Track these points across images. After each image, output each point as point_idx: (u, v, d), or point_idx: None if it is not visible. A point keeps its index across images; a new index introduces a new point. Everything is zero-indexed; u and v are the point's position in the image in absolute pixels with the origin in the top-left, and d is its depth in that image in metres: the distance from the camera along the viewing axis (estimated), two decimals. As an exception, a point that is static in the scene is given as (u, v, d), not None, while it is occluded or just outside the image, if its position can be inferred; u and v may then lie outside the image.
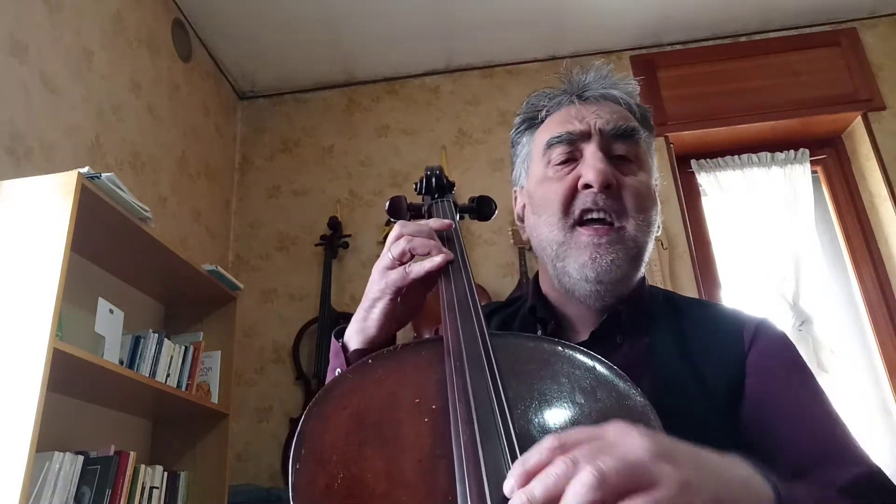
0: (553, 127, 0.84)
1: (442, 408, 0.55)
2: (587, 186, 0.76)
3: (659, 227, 0.85)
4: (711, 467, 0.45)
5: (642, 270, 0.82)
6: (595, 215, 0.77)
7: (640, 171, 0.80)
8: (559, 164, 0.81)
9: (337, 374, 0.74)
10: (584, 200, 0.77)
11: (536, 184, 0.84)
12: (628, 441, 0.42)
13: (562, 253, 0.78)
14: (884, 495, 0.61)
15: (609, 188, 0.76)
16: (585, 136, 0.80)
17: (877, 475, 0.64)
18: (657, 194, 0.84)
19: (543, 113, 0.87)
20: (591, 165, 0.76)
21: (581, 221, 0.78)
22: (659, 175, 0.88)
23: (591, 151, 0.78)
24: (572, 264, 0.77)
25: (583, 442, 0.42)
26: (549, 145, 0.82)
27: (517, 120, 0.91)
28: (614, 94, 0.84)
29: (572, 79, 0.87)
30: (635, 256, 0.78)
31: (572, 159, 0.80)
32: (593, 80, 0.85)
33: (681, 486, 0.40)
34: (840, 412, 0.71)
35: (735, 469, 0.49)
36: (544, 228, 0.80)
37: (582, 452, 0.41)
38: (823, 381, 0.78)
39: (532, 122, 0.88)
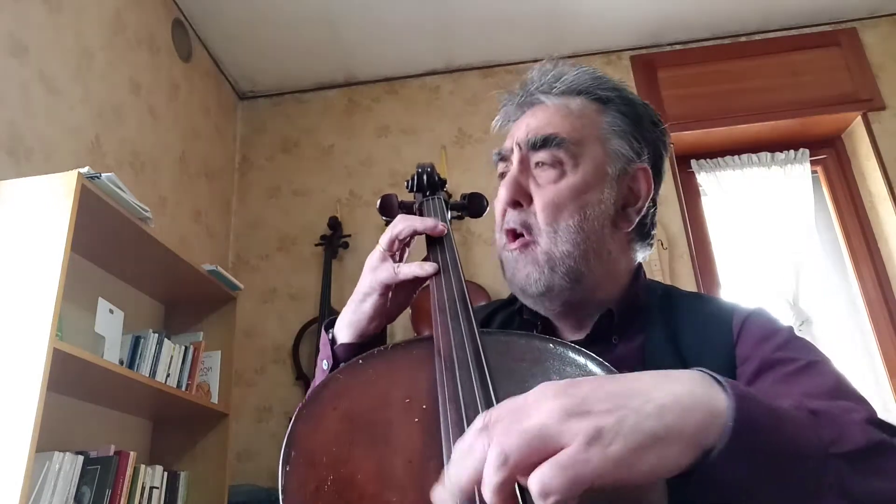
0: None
1: (432, 408, 0.55)
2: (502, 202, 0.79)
3: (632, 214, 0.81)
4: (636, 399, 0.42)
5: (585, 272, 0.76)
6: (509, 226, 0.79)
7: (563, 176, 0.77)
8: (500, 179, 0.83)
9: (323, 364, 0.75)
10: (508, 217, 0.79)
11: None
12: (537, 403, 0.41)
13: (503, 265, 0.81)
14: (885, 429, 0.54)
15: (518, 205, 0.78)
16: (510, 152, 0.82)
17: (876, 418, 0.57)
18: (617, 183, 0.79)
19: (500, 126, 0.90)
20: (504, 181, 0.79)
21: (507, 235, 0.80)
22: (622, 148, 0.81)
23: (510, 170, 0.80)
24: (507, 278, 0.80)
25: (503, 417, 0.41)
26: (495, 163, 0.85)
27: (493, 130, 0.94)
28: (541, 99, 0.83)
29: (516, 89, 0.87)
30: (554, 268, 0.75)
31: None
32: (529, 85, 0.85)
33: (589, 438, 0.39)
34: (841, 374, 0.67)
35: (672, 387, 0.43)
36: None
37: (497, 430, 0.40)
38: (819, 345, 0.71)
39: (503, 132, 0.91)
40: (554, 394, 0.42)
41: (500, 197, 0.80)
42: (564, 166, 0.78)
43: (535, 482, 0.38)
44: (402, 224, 0.76)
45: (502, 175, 0.82)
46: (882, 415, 0.57)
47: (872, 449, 0.49)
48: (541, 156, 0.79)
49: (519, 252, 0.77)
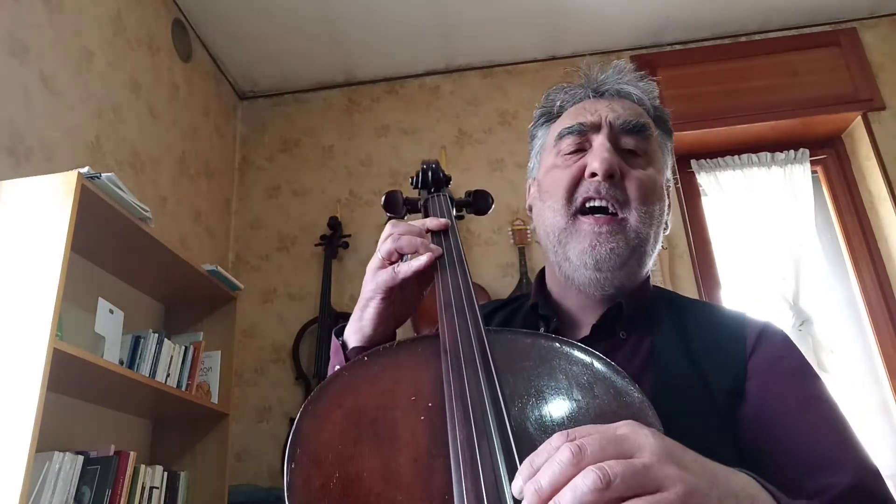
0: (567, 118, 0.86)
1: (438, 406, 0.55)
2: (593, 175, 0.78)
3: (667, 225, 0.85)
4: (718, 476, 0.44)
5: (648, 266, 0.82)
6: (597, 203, 0.78)
7: (649, 166, 0.81)
8: (569, 154, 0.82)
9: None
10: (587, 188, 0.78)
11: (545, 172, 0.86)
12: (639, 439, 0.42)
13: (563, 238, 0.80)
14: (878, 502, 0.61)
15: (612, 177, 0.77)
16: (596, 127, 0.81)
17: (874, 481, 0.63)
18: (667, 193, 0.85)
19: (559, 106, 0.89)
20: (597, 154, 0.78)
21: (584, 210, 0.79)
22: (674, 177, 0.89)
23: (599, 142, 0.80)
24: (572, 250, 0.78)
25: (594, 437, 0.41)
26: (561, 136, 0.84)
27: (536, 113, 0.93)
28: (629, 91, 0.86)
29: (590, 75, 0.89)
30: (636, 247, 0.78)
31: (581, 150, 0.82)
32: (610, 76, 0.87)
33: (687, 491, 0.40)
34: (844, 415, 0.71)
35: (741, 481, 0.47)
36: (548, 214, 0.82)
37: (590, 442, 0.40)
38: (826, 380, 0.75)
39: (549, 116, 0.90)
40: (651, 433, 0.43)
41: (570, 171, 0.80)
42: (649, 157, 0.82)
43: None
44: (406, 240, 0.73)
45: (576, 151, 0.82)
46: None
47: None
48: (630, 141, 0.81)
49: (608, 226, 0.77)
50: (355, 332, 0.75)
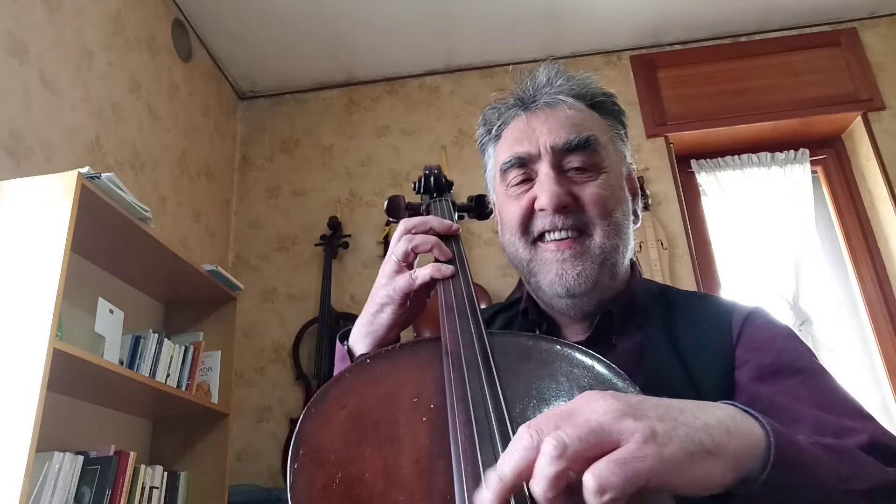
0: (507, 145, 0.82)
1: (440, 407, 0.55)
2: (542, 209, 0.76)
3: (637, 216, 0.84)
4: (685, 414, 0.44)
5: (624, 265, 0.81)
6: (555, 235, 0.77)
7: (601, 174, 0.78)
8: (516, 185, 0.80)
9: None
10: (542, 222, 0.77)
11: (501, 202, 0.84)
12: (591, 406, 0.42)
13: (531, 268, 0.79)
14: (889, 456, 0.57)
15: (565, 208, 0.75)
16: (535, 157, 0.78)
17: (890, 438, 0.61)
18: (626, 182, 0.83)
19: (496, 129, 0.86)
20: (545, 189, 0.75)
21: (543, 237, 0.78)
22: (632, 157, 0.86)
23: (544, 172, 0.77)
24: (543, 280, 0.78)
25: (552, 417, 0.42)
26: (503, 170, 0.81)
27: (478, 133, 0.90)
28: (560, 99, 0.81)
29: (521, 87, 0.84)
30: (604, 262, 0.76)
31: (528, 179, 0.79)
32: (541, 85, 0.83)
33: (645, 437, 0.39)
34: (841, 383, 0.69)
35: (715, 412, 0.46)
36: (510, 247, 0.82)
37: (544, 421, 0.41)
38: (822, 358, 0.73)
39: (491, 134, 0.87)
40: (604, 397, 0.43)
41: (520, 204, 0.78)
42: (600, 166, 0.79)
43: (592, 477, 0.37)
44: (421, 239, 0.73)
45: (523, 181, 0.79)
46: (882, 414, 0.59)
47: (888, 489, 0.53)
48: (576, 159, 0.78)
49: (570, 250, 0.76)
50: (365, 337, 0.74)
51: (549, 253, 0.77)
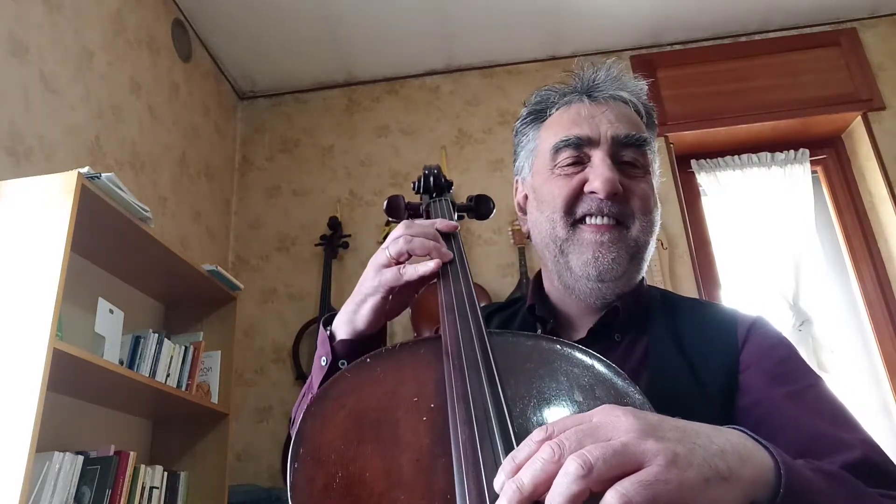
0: (561, 126, 0.84)
1: (440, 407, 0.55)
2: (593, 192, 0.78)
3: (658, 226, 0.86)
4: (701, 438, 0.44)
5: (643, 270, 0.83)
6: (597, 220, 0.78)
7: (645, 175, 0.82)
8: (566, 166, 0.82)
9: (322, 361, 0.75)
10: (588, 205, 0.79)
11: (542, 180, 0.84)
12: (613, 422, 0.42)
13: (565, 248, 0.80)
14: (878, 476, 0.59)
15: (615, 196, 0.78)
16: (594, 142, 0.81)
17: (882, 456, 0.63)
18: (657, 194, 0.86)
19: (552, 109, 0.87)
20: (600, 173, 0.78)
21: (584, 220, 0.79)
22: (659, 172, 0.89)
23: (599, 158, 0.79)
24: (575, 261, 0.79)
25: (569, 428, 0.42)
26: (557, 148, 0.82)
27: (524, 111, 0.91)
28: (623, 96, 0.85)
29: (582, 76, 0.87)
30: (635, 255, 0.80)
31: (580, 162, 0.81)
32: (603, 79, 0.85)
33: (668, 461, 0.40)
34: (840, 399, 0.71)
35: (727, 437, 0.47)
36: (546, 224, 0.82)
37: (567, 436, 0.41)
38: (826, 380, 0.76)
39: (539, 116, 0.89)
40: (624, 413, 0.43)
41: (570, 184, 0.80)
42: (648, 167, 0.83)
43: (615, 497, 0.38)
44: (419, 243, 0.73)
45: (574, 163, 0.81)
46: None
47: None
48: (629, 154, 0.81)
49: (609, 234, 0.78)
50: (345, 325, 0.74)
51: (589, 233, 0.78)
